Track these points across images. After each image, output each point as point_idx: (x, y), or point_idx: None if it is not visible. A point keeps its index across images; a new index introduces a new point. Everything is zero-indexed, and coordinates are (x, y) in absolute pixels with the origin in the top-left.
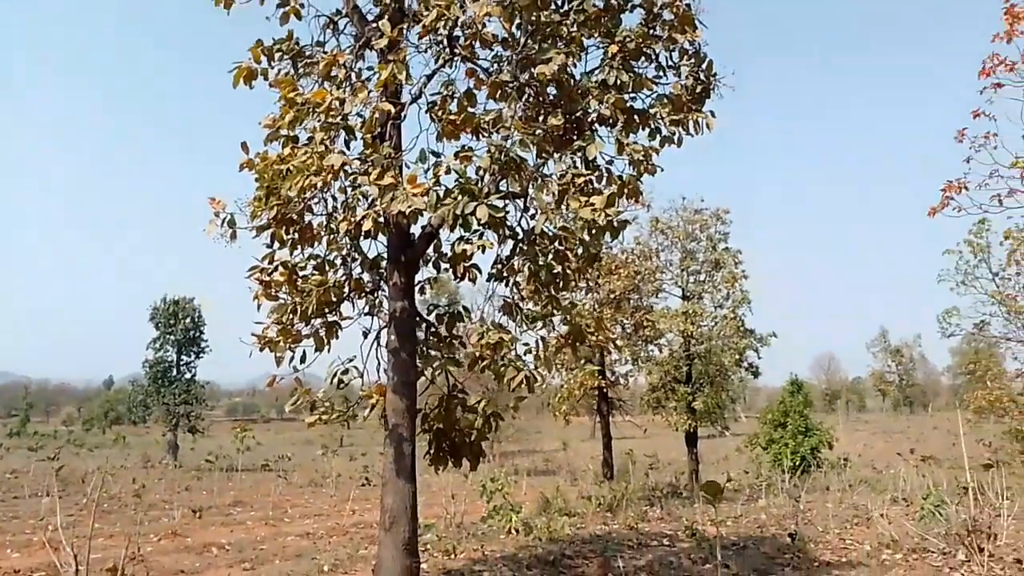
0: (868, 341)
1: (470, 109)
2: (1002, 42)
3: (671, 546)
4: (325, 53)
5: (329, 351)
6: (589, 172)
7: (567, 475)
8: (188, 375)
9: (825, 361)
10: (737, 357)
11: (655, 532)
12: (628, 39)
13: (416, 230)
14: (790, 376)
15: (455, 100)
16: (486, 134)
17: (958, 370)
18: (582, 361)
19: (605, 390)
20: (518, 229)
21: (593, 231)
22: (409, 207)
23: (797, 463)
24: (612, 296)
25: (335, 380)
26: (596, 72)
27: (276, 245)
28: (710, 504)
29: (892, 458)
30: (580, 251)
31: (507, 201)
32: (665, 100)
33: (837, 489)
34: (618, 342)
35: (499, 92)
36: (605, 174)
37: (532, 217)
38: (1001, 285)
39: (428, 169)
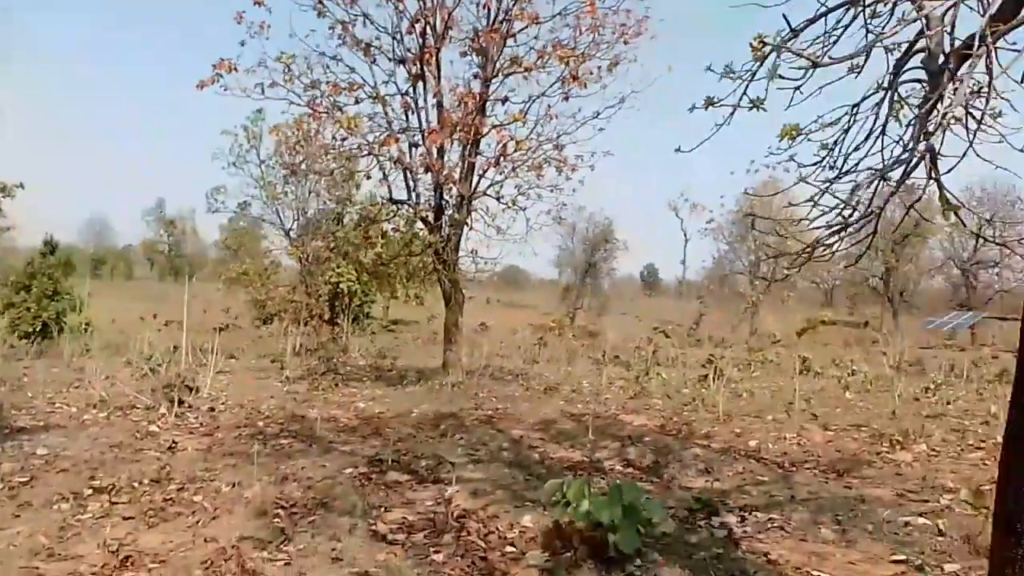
0: (144, 210)
1: None
2: None
3: None
4: None
5: None
6: None
7: None
8: None
9: (96, 226)
10: None
11: None
12: None
13: None
14: (46, 237)
15: None
16: None
17: (222, 245)
18: None
19: None
20: None
21: None
22: None
23: (38, 328)
24: None
25: None
26: None
27: None
28: None
29: (142, 324)
30: None
31: None
32: None
33: (74, 355)
34: None
35: None
36: None
37: None
38: (266, 172)
39: None
